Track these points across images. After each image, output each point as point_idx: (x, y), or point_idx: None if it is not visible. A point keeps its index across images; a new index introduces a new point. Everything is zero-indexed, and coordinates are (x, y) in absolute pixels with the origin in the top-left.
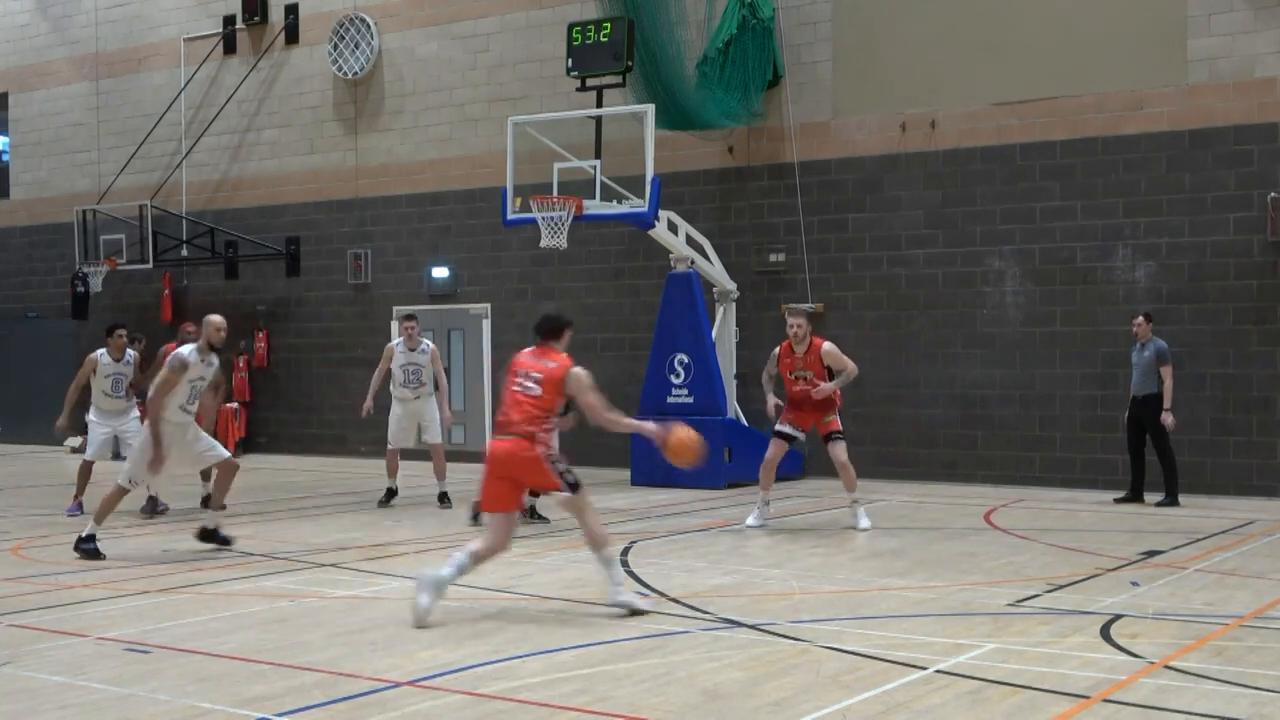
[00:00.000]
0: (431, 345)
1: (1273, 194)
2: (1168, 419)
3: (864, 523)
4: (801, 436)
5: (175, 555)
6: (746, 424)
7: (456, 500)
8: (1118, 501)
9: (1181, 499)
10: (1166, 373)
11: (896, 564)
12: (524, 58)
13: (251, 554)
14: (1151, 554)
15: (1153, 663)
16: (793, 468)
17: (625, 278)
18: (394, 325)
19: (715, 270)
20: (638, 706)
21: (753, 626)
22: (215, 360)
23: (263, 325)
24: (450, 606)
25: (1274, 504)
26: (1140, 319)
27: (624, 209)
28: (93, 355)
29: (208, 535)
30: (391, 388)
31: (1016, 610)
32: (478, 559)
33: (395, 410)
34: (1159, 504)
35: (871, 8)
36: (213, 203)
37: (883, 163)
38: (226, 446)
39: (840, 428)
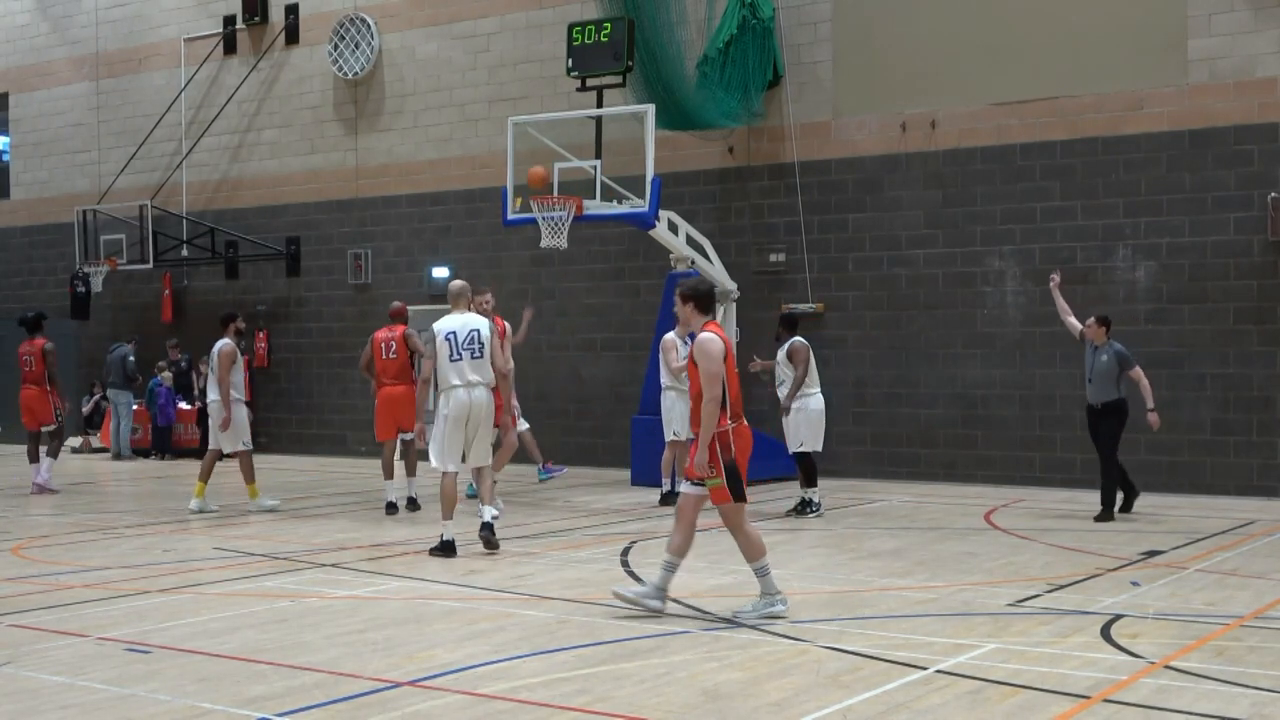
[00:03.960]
0: None
1: (1273, 194)
2: (1153, 418)
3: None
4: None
5: (175, 555)
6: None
7: None
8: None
9: (1181, 499)
10: (1139, 375)
11: (896, 564)
12: (524, 58)
13: (251, 554)
14: (1152, 554)
15: (1153, 663)
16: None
17: (625, 278)
18: None
19: (715, 270)
20: (638, 706)
21: (753, 626)
22: None
23: (263, 325)
24: (450, 607)
25: (1274, 504)
26: (1091, 321)
27: (624, 209)
28: None
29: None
30: None
31: (1017, 610)
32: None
33: None
34: (1095, 519)
35: (871, 8)
36: (213, 203)
37: (883, 163)
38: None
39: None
